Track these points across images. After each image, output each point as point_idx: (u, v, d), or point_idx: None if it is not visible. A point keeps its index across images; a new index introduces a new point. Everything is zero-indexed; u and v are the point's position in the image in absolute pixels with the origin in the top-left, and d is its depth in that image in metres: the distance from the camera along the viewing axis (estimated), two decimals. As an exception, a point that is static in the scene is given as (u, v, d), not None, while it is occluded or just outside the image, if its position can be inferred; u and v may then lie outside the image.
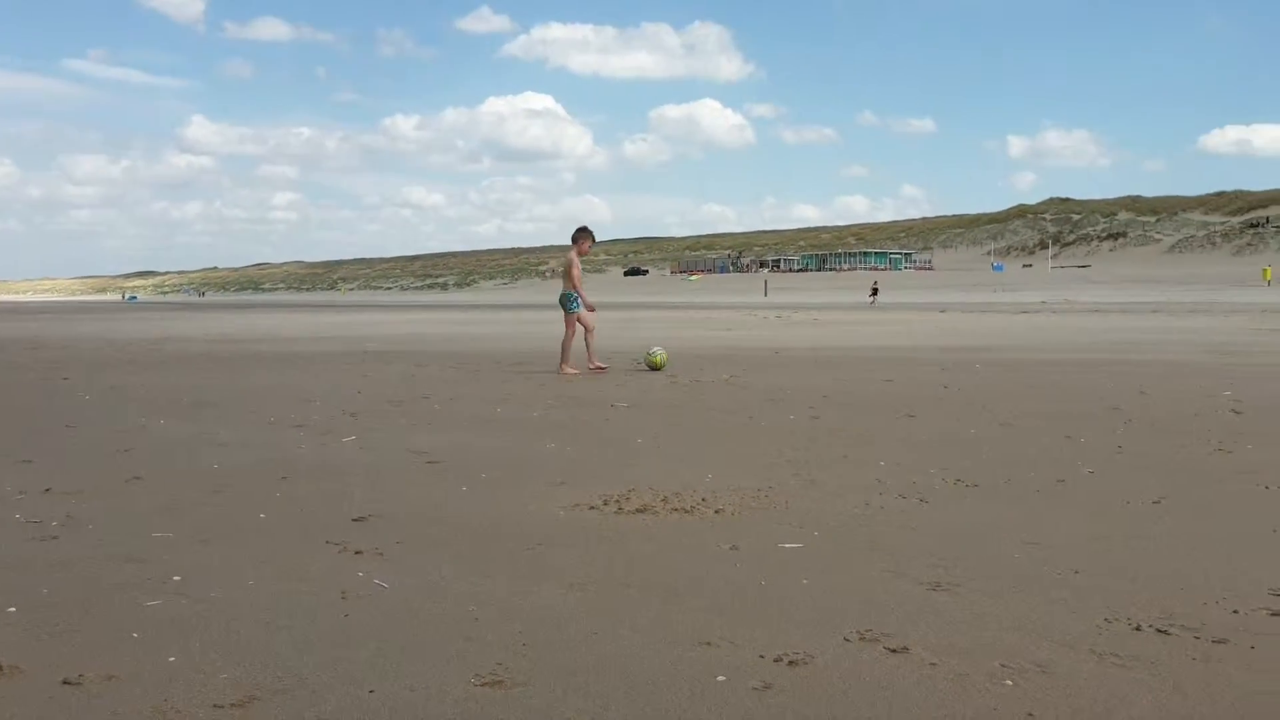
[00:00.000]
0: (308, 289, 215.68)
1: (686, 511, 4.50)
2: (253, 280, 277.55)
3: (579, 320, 12.00)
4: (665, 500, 4.71)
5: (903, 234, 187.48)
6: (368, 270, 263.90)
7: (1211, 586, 3.37)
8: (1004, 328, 24.11)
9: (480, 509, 4.66)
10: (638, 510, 4.53)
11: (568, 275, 12.14)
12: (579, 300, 12.03)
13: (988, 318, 30.89)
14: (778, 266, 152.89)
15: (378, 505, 4.72)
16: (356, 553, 3.90)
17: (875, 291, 61.08)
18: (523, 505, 4.70)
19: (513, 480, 5.31)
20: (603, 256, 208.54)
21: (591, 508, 4.61)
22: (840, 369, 12.09)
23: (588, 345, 11.99)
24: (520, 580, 3.53)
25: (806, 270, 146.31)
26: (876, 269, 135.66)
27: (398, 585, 3.49)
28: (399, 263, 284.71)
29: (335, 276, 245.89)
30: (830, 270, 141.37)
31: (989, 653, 2.80)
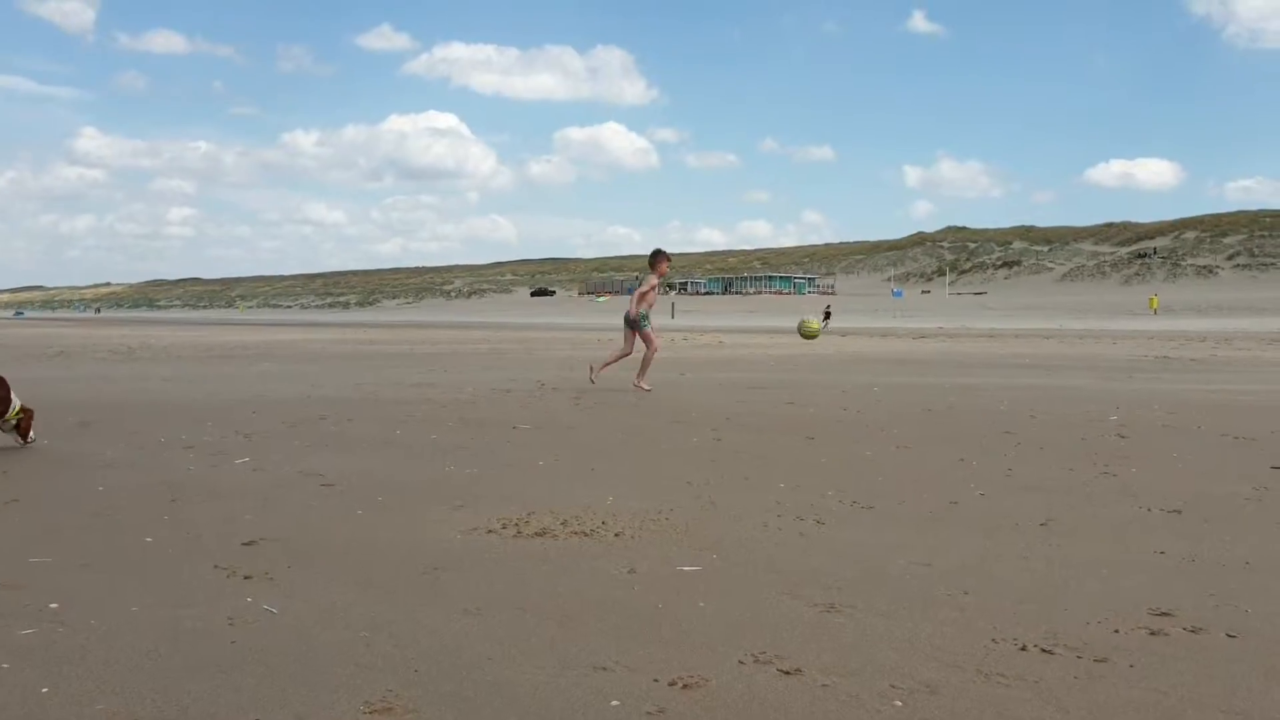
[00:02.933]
0: (205, 306, 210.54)
1: (586, 534, 4.48)
2: (148, 297, 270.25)
3: (644, 337, 12.18)
4: (565, 523, 4.68)
5: (806, 259, 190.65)
6: (267, 288, 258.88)
7: (1095, 607, 3.47)
8: (904, 352, 24.60)
9: (375, 532, 4.58)
10: (536, 534, 4.50)
11: (640, 297, 12.34)
12: (648, 318, 12.28)
13: (888, 342, 31.50)
14: (685, 289, 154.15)
15: (269, 529, 4.61)
16: (245, 577, 3.80)
17: (828, 315, 61.08)
18: (419, 529, 4.63)
19: (410, 503, 5.23)
20: (509, 277, 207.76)
21: (490, 531, 4.56)
22: (743, 391, 12.19)
23: (610, 359, 12.45)
24: (414, 605, 3.48)
25: (713, 294, 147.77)
26: (781, 293, 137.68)
27: (287, 610, 3.40)
28: (299, 281, 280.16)
29: (233, 294, 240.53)
30: (736, 294, 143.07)
31: (880, 673, 2.84)
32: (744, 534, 4.54)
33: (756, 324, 61.68)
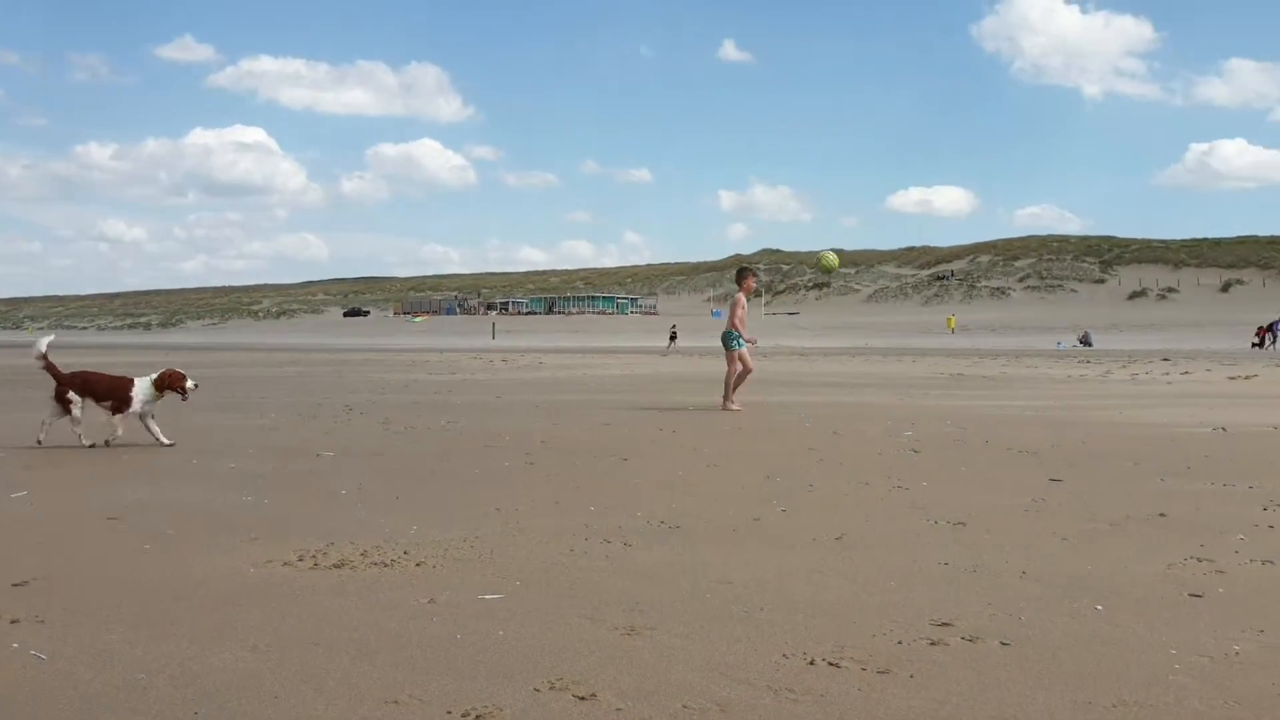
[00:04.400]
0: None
1: (386, 565, 4.38)
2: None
3: (739, 357, 12.39)
4: (365, 554, 4.56)
5: (629, 279, 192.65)
6: (60, 308, 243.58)
7: (881, 619, 3.61)
8: (720, 372, 25.14)
9: (162, 568, 4.35)
10: (335, 565, 4.37)
11: (731, 314, 12.60)
12: (740, 338, 12.52)
13: (706, 362, 32.15)
14: (506, 309, 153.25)
15: (44, 567, 4.32)
16: (13, 621, 3.55)
17: (674, 337, 60.87)
18: (210, 563, 4.43)
19: (201, 536, 5.00)
20: (321, 296, 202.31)
21: (285, 564, 4.40)
22: (561, 413, 12.21)
23: (730, 384, 12.44)
24: (199, 643, 3.32)
25: (535, 313, 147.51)
26: (605, 313, 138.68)
27: (57, 655, 3.20)
28: (96, 300, 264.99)
29: (21, 315, 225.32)
30: (559, 314, 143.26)
31: (674, 694, 2.88)
32: (550, 559, 4.53)
33: (580, 344, 61.90)
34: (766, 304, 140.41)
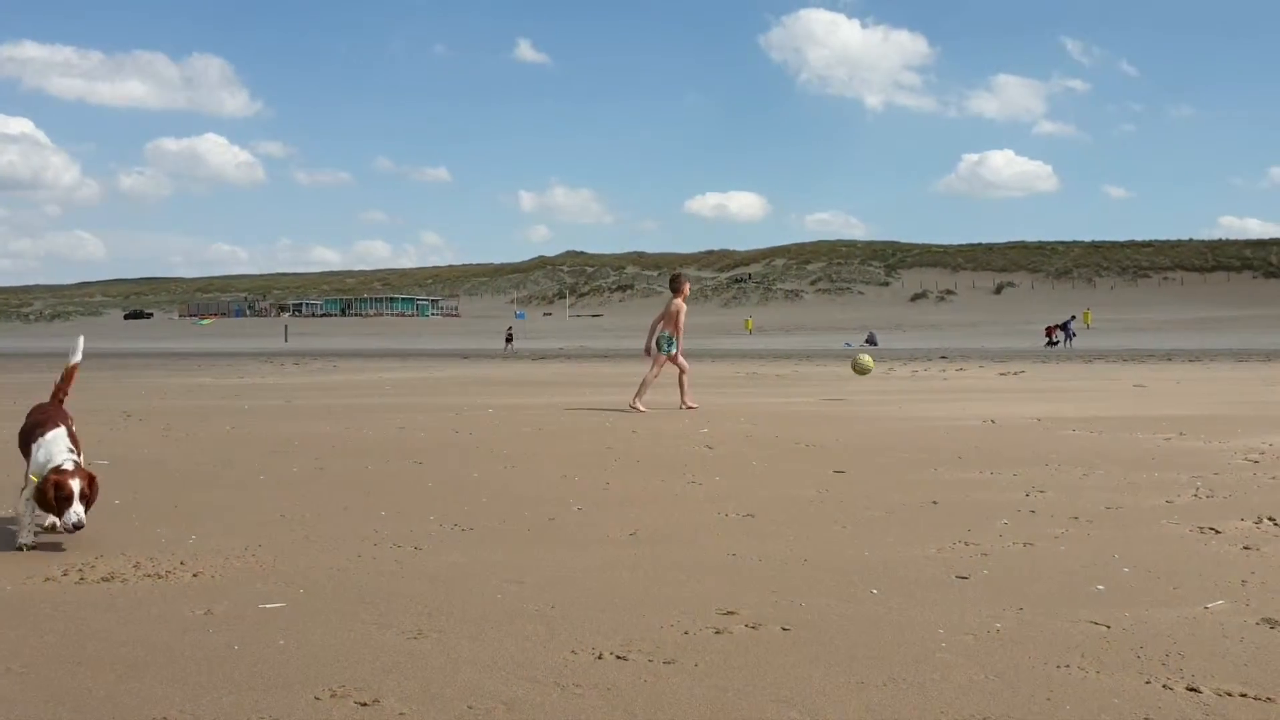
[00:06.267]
0: None
1: (160, 577, 4.16)
2: None
3: (674, 361, 12.55)
4: (137, 566, 4.32)
5: (430, 280, 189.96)
6: None
7: (670, 611, 3.67)
8: (521, 375, 25.10)
9: (-96, 590, 4.00)
10: (103, 579, 4.12)
11: (671, 320, 12.65)
12: (675, 343, 12.59)
13: (508, 366, 32.02)
14: (299, 311, 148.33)
15: None
16: None
17: (510, 339, 60.41)
18: (-40, 582, 4.11)
19: (-47, 554, 4.62)
20: (99, 298, 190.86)
21: (48, 579, 4.12)
22: (353, 418, 11.90)
23: (684, 388, 12.59)
24: (-56, 670, 3.07)
25: (330, 315, 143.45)
26: (404, 315, 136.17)
27: None
28: None
29: None
30: (355, 315, 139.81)
31: (460, 696, 2.85)
32: (336, 566, 4.41)
33: (376, 346, 60.48)
34: (571, 305, 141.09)
